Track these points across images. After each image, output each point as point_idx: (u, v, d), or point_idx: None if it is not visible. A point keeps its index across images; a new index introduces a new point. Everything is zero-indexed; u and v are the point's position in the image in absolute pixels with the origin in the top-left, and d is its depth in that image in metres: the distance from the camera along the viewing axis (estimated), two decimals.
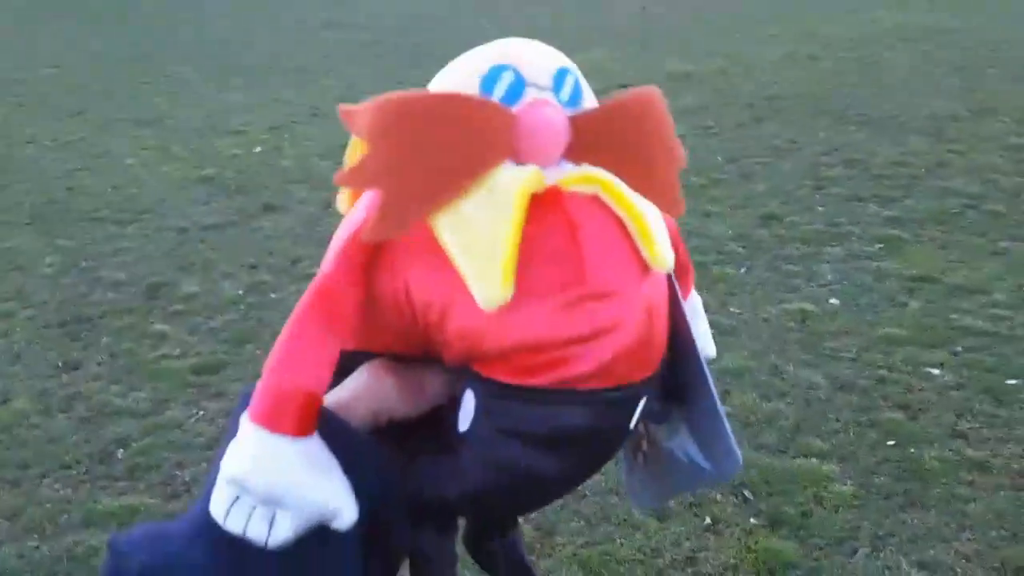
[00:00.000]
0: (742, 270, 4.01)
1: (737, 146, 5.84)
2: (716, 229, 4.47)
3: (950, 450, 2.69)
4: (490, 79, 0.67)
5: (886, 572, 2.25)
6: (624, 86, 1.03)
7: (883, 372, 3.13)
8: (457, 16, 12.24)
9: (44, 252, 4.55)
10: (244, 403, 0.71)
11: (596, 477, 2.60)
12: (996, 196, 4.68)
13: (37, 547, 2.45)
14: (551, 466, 0.68)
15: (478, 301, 0.62)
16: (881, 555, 2.30)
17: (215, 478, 0.67)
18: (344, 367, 0.75)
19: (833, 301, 3.68)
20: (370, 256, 0.67)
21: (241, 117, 7.26)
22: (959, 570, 2.24)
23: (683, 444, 0.78)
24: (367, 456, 0.69)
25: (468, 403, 0.69)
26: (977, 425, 2.80)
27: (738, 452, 0.74)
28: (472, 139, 0.64)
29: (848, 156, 5.50)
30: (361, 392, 0.71)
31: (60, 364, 3.42)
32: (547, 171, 0.66)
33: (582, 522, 2.47)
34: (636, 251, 0.66)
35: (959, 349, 3.25)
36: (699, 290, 1.08)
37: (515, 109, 0.66)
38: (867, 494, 2.53)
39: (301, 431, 0.65)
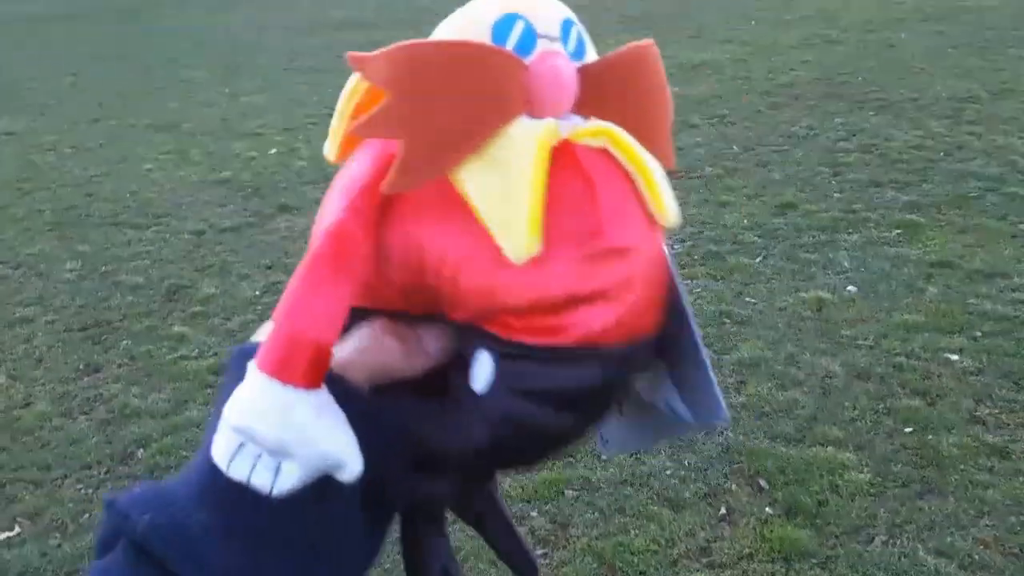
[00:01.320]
0: (758, 259, 3.99)
1: (752, 134, 5.81)
2: (731, 219, 4.44)
3: (968, 436, 2.66)
4: (501, 29, 0.66)
5: (903, 560, 2.23)
6: None
7: (901, 359, 3.10)
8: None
9: (65, 257, 4.60)
10: (236, 363, 0.71)
11: (610, 470, 2.60)
12: (1015, 178, 4.62)
13: (59, 545, 2.49)
14: (564, 421, 0.68)
15: (506, 252, 0.61)
16: (898, 543, 2.29)
17: (216, 425, 0.65)
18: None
19: (850, 288, 3.65)
20: (380, 206, 0.65)
21: (257, 119, 7.31)
22: (977, 557, 2.22)
23: (665, 396, 0.77)
24: (367, 412, 0.68)
25: (484, 364, 0.67)
26: (996, 411, 2.77)
27: (724, 406, 0.71)
28: (493, 88, 0.64)
29: (865, 141, 5.45)
30: (358, 353, 0.69)
31: (81, 367, 3.46)
32: (558, 124, 0.65)
33: (596, 514, 2.47)
34: (644, 205, 0.66)
35: (978, 334, 3.21)
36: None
37: (527, 60, 0.65)
38: (884, 482, 2.51)
39: (311, 382, 0.63)
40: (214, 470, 0.65)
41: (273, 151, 6.34)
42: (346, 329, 0.73)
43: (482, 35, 0.67)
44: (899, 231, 4.15)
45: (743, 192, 4.81)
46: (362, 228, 0.66)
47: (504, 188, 0.63)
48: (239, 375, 0.70)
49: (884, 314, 3.42)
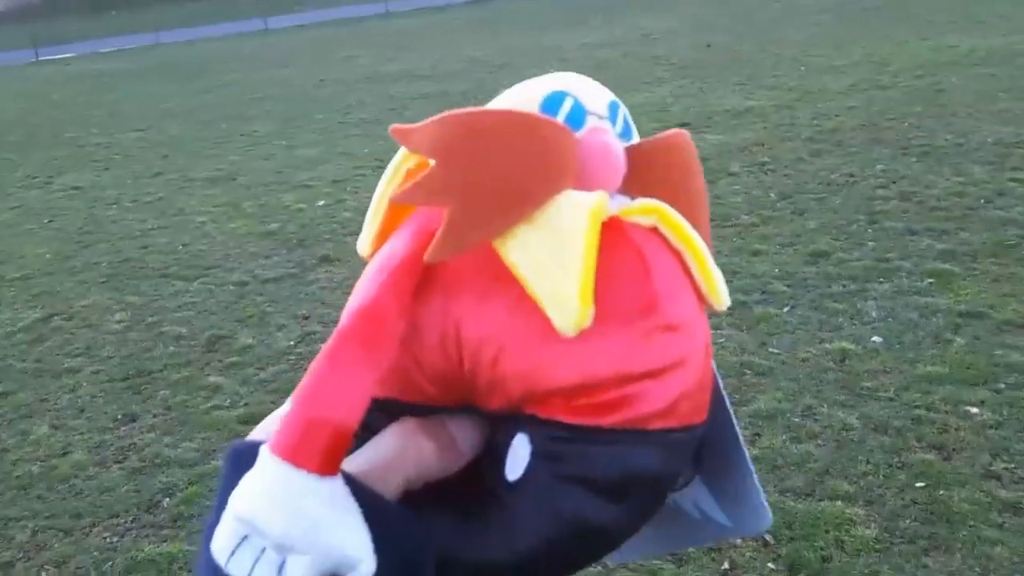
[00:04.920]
0: (785, 309, 3.98)
1: (792, 182, 5.79)
2: (761, 268, 4.44)
3: (981, 491, 2.61)
4: (550, 105, 0.64)
5: None
6: (684, 125, 1.01)
7: (920, 412, 3.06)
8: (520, 59, 12.46)
9: (116, 309, 4.81)
10: (233, 463, 0.69)
11: None
12: None
13: None
14: (612, 515, 0.61)
15: (555, 323, 0.57)
16: None
17: (215, 520, 0.60)
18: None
19: (875, 339, 3.62)
20: (417, 285, 0.61)
21: (309, 171, 7.55)
22: None
23: (695, 498, 0.71)
24: (398, 527, 0.62)
25: (520, 450, 0.62)
26: (1012, 465, 2.72)
27: (768, 509, 0.66)
28: (542, 157, 0.62)
29: (905, 188, 5.39)
30: (394, 458, 0.63)
31: (119, 417, 3.61)
32: (608, 198, 0.62)
33: (599, 567, 2.49)
34: (695, 285, 0.63)
35: (1002, 386, 3.15)
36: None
37: (577, 135, 0.64)
38: (891, 537, 2.48)
39: (327, 469, 0.57)
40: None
41: (321, 203, 6.54)
42: (372, 428, 0.68)
43: (531, 109, 0.65)
44: (931, 280, 4.09)
45: (776, 241, 4.80)
46: (397, 307, 0.61)
47: (554, 257, 0.60)
48: (233, 476, 0.61)
49: (907, 365, 3.38)
